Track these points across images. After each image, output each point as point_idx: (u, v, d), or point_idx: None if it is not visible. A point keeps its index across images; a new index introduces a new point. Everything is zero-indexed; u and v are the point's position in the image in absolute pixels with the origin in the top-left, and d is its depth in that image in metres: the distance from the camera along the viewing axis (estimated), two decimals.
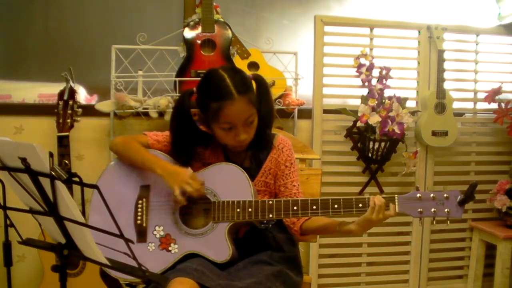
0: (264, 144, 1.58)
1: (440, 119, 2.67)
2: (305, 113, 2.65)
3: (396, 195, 1.43)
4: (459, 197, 1.41)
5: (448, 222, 1.43)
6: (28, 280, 2.44)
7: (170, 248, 1.46)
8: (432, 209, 1.41)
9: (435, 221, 1.44)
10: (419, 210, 1.42)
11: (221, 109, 1.42)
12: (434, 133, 2.67)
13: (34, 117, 2.43)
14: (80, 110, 2.21)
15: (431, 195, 1.42)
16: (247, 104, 1.44)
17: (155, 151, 1.57)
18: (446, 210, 1.41)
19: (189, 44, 2.32)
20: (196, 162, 1.58)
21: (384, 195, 1.43)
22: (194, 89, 1.51)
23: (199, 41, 2.31)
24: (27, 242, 1.27)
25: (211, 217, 1.47)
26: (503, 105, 2.77)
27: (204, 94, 1.48)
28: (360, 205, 1.43)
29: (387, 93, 2.55)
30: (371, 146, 2.58)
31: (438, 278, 2.87)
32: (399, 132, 2.49)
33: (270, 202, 1.46)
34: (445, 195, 1.42)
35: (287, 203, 1.46)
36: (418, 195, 1.42)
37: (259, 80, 1.54)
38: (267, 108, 1.53)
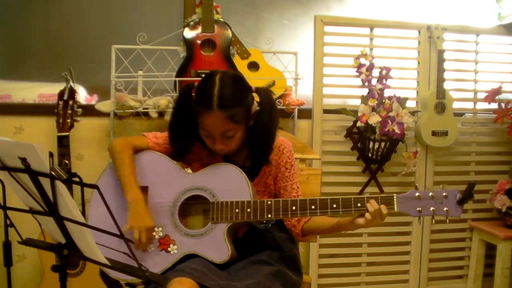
0: (264, 158, 1.53)
1: (440, 119, 2.67)
2: (305, 113, 2.65)
3: (394, 194, 1.43)
4: (458, 196, 1.41)
5: (447, 221, 1.42)
6: (28, 280, 2.44)
7: (169, 249, 1.46)
8: (431, 208, 1.41)
9: (434, 220, 1.44)
10: (418, 209, 1.41)
11: (200, 115, 1.43)
12: (434, 133, 2.67)
13: (34, 117, 2.43)
14: (80, 110, 2.21)
15: (430, 194, 1.42)
16: (223, 120, 1.40)
17: (153, 153, 1.57)
18: (445, 209, 1.41)
19: (189, 44, 2.32)
20: (195, 163, 1.58)
21: (382, 195, 1.44)
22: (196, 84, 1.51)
23: (199, 41, 2.31)
24: (27, 242, 1.27)
25: (210, 218, 1.47)
26: (503, 105, 2.77)
27: (196, 94, 1.47)
28: (359, 204, 1.43)
29: (387, 93, 2.55)
30: (371, 146, 2.58)
31: (438, 278, 2.87)
32: (399, 132, 2.49)
33: (269, 202, 1.46)
34: (444, 194, 1.42)
35: (285, 203, 1.46)
36: (417, 194, 1.42)
37: (261, 94, 1.51)
38: (267, 122, 1.49)
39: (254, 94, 1.51)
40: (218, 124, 1.42)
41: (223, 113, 1.40)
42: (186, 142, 1.55)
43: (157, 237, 1.48)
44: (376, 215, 1.39)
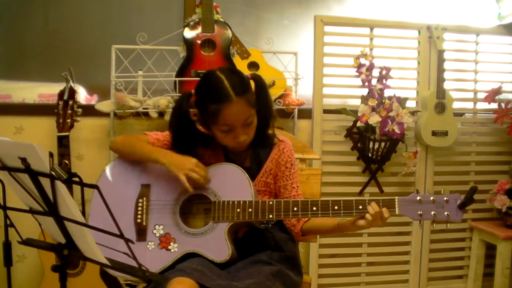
0: (265, 143, 1.58)
1: (440, 119, 2.67)
2: (305, 113, 2.65)
3: (396, 198, 1.43)
4: (459, 200, 1.41)
5: (447, 225, 1.43)
6: (28, 280, 2.44)
7: (169, 247, 1.46)
8: (432, 212, 1.41)
9: (434, 224, 1.44)
10: (419, 212, 1.41)
11: (220, 111, 1.42)
12: (434, 133, 2.67)
13: (34, 117, 2.43)
14: (80, 110, 2.21)
15: (431, 198, 1.42)
16: (245, 106, 1.43)
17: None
18: (446, 213, 1.41)
19: (189, 44, 2.32)
20: None
21: (383, 197, 1.44)
22: (193, 91, 1.52)
23: (199, 41, 2.32)
24: (27, 242, 1.27)
25: (211, 217, 1.47)
26: (503, 105, 2.77)
27: (202, 97, 1.48)
28: (360, 207, 1.43)
29: (387, 93, 2.55)
30: (371, 146, 2.58)
31: (438, 278, 2.87)
32: (399, 132, 2.49)
33: (271, 203, 1.46)
34: (445, 198, 1.42)
35: (287, 204, 1.46)
36: (418, 197, 1.42)
37: (257, 79, 1.54)
38: (266, 107, 1.53)
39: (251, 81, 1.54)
40: (240, 112, 1.43)
41: (242, 100, 1.42)
42: (191, 151, 1.55)
43: (157, 235, 1.48)
44: (377, 217, 1.40)
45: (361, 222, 1.42)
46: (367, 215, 1.40)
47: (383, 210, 1.40)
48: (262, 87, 1.54)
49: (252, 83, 1.53)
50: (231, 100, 1.41)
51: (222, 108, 1.41)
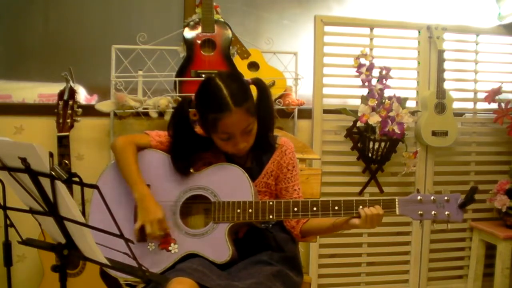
0: (266, 147, 1.58)
1: (440, 119, 2.67)
2: (305, 113, 2.65)
3: (396, 198, 1.43)
4: (459, 200, 1.41)
5: (448, 226, 1.43)
6: (28, 280, 2.44)
7: (170, 248, 1.46)
8: (433, 212, 1.41)
9: (435, 224, 1.44)
10: (419, 212, 1.41)
11: (219, 120, 1.41)
12: (434, 133, 2.67)
13: (34, 117, 2.43)
14: (80, 110, 2.21)
15: (432, 197, 1.42)
16: (244, 115, 1.43)
17: (156, 152, 1.57)
18: (446, 213, 1.41)
19: (189, 44, 2.32)
20: (197, 163, 1.58)
21: (384, 197, 1.44)
22: (193, 97, 1.51)
23: (199, 41, 2.31)
24: (27, 242, 1.27)
25: (211, 218, 1.47)
26: (503, 105, 2.77)
27: (201, 104, 1.47)
28: (361, 207, 1.43)
29: (387, 93, 2.55)
30: (371, 146, 2.58)
31: (438, 278, 2.87)
32: (399, 132, 2.49)
33: (271, 203, 1.46)
34: (446, 198, 1.41)
35: (287, 204, 1.46)
36: (419, 197, 1.42)
37: (259, 84, 1.54)
38: (267, 112, 1.53)
39: (251, 86, 1.53)
40: (239, 122, 1.42)
41: (241, 109, 1.41)
42: (191, 157, 1.55)
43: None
44: (373, 220, 1.40)
45: (355, 221, 1.43)
46: (362, 213, 1.41)
47: (379, 213, 1.40)
48: (263, 92, 1.53)
49: (254, 88, 1.52)
50: (230, 110, 1.40)
51: (221, 118, 1.41)
